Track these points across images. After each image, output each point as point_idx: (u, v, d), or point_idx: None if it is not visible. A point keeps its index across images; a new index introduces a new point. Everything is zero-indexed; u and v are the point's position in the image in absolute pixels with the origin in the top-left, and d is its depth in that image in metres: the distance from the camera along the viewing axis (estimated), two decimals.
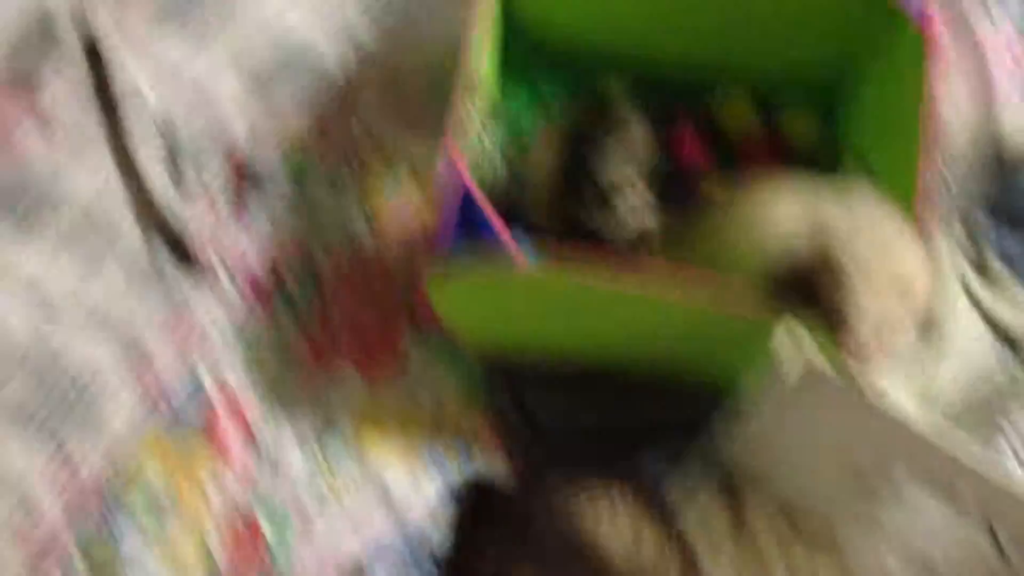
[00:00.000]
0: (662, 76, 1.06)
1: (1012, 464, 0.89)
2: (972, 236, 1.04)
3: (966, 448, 0.74)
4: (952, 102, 1.02)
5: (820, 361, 0.76)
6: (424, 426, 1.02)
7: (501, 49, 1.07)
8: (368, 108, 1.11)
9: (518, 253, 0.83)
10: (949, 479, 0.75)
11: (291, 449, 1.03)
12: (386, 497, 1.00)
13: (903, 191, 0.85)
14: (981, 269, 1.03)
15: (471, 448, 1.01)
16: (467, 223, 0.85)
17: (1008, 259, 1.03)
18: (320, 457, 1.02)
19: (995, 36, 1.16)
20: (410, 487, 1.00)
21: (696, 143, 1.04)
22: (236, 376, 1.05)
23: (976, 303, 1.01)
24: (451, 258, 0.85)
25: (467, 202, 0.85)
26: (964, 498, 0.75)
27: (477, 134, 1.00)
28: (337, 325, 1.06)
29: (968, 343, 0.98)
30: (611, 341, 0.89)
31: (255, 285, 1.09)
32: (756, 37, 1.00)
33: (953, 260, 1.03)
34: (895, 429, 0.75)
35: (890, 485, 0.78)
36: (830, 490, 0.84)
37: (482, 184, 1.02)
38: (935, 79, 0.87)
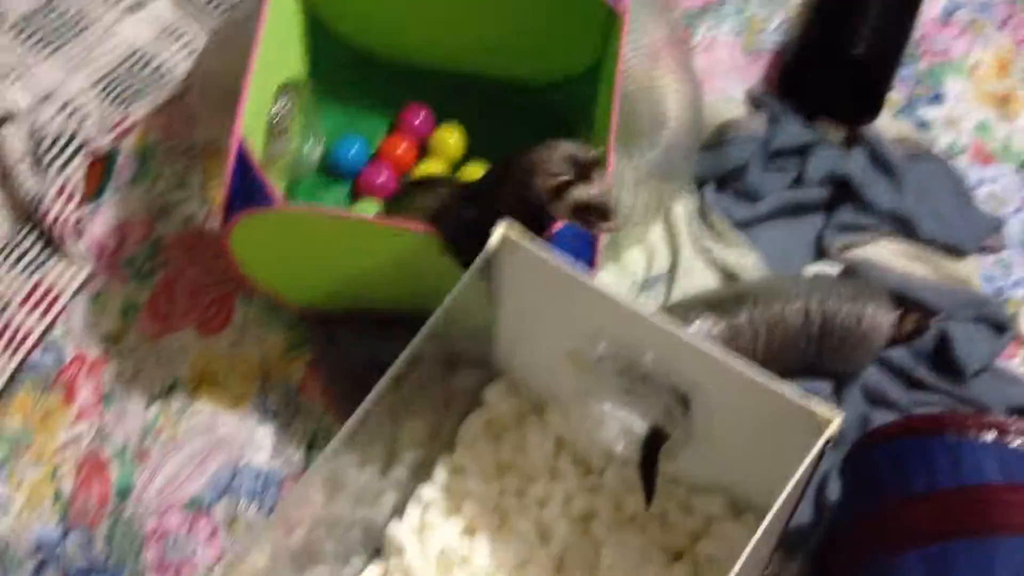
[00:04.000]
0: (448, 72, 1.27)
1: None
2: (702, 200, 1.27)
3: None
4: (675, 92, 1.21)
5: (515, 232, 0.92)
6: (254, 377, 1.17)
7: (313, 51, 1.25)
8: (202, 106, 1.27)
9: (282, 202, 1.02)
10: (640, 349, 0.91)
11: (138, 401, 1.17)
12: (222, 441, 1.15)
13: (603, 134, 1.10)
14: (709, 225, 1.27)
15: (296, 394, 1.16)
16: (248, 191, 1.03)
17: (724, 212, 1.27)
18: (163, 407, 1.17)
19: (720, 41, 1.41)
20: (243, 432, 1.15)
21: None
22: (90, 339, 1.20)
23: (705, 251, 1.25)
24: (239, 217, 1.02)
25: (246, 171, 1.02)
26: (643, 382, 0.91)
27: (287, 134, 1.17)
28: (178, 291, 1.22)
29: (696, 282, 1.22)
30: (377, 274, 1.09)
31: (107, 258, 1.25)
32: (510, 40, 1.23)
33: (688, 221, 1.26)
34: (594, 298, 0.91)
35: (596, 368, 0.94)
36: (554, 376, 1.01)
37: (294, 179, 1.21)
38: (623, 47, 1.12)
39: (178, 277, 1.24)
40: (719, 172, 1.28)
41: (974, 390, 1.16)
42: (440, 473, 1.06)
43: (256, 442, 1.15)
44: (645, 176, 1.17)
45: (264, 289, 1.14)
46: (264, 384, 1.18)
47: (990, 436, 0.91)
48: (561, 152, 0.96)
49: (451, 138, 1.27)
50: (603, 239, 1.07)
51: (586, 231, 0.98)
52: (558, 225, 1.01)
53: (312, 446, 1.14)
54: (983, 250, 1.27)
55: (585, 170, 0.95)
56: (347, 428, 0.90)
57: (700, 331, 1.07)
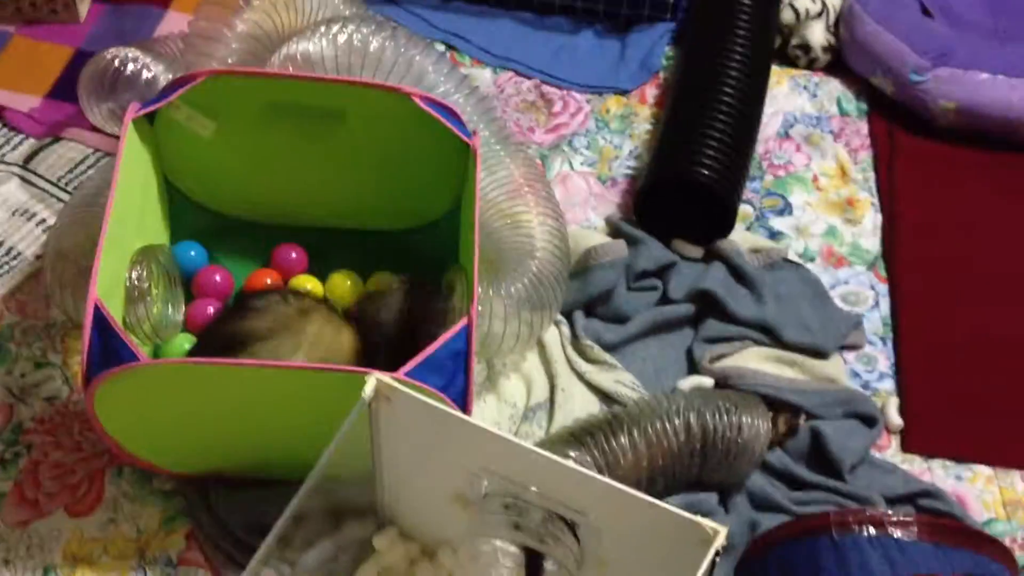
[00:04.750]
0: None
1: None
2: (572, 327, 1.30)
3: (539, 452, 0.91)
4: (539, 224, 1.26)
5: (388, 378, 0.92)
6: (131, 554, 1.13)
7: (175, 215, 1.26)
8: (55, 284, 1.25)
9: (145, 358, 1.00)
10: (524, 483, 0.91)
11: None
12: None
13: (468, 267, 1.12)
14: (580, 350, 1.29)
15: (176, 567, 1.12)
16: (109, 351, 1.00)
17: (595, 336, 1.30)
18: None
19: (575, 172, 1.47)
20: None
21: None
22: None
23: (579, 376, 1.27)
24: (102, 378, 1.00)
25: (105, 330, 1.00)
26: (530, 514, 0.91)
27: (148, 297, 1.16)
28: (44, 474, 1.18)
29: (576, 407, 1.24)
30: (253, 428, 1.07)
31: None
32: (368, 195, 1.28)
33: (564, 347, 1.29)
34: (475, 435, 0.91)
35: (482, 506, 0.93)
36: (442, 518, 0.99)
37: (158, 343, 1.19)
38: (479, 181, 1.15)
39: (43, 460, 1.19)
40: (586, 298, 1.31)
41: (854, 484, 1.18)
42: None
43: None
44: (516, 306, 1.19)
45: (133, 457, 1.11)
46: (142, 560, 1.13)
47: (872, 530, 0.93)
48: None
49: (345, 284, 1.27)
50: (475, 362, 1.08)
51: (461, 346, 1.01)
52: (430, 350, 1.02)
53: None
54: (846, 348, 1.32)
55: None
56: None
57: (580, 459, 1.07)
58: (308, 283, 1.27)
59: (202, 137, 1.21)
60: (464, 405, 1.05)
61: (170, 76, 1.34)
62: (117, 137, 1.39)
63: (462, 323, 1.05)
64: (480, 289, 1.13)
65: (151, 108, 1.15)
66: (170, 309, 1.21)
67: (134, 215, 1.17)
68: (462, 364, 1.04)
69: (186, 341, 1.22)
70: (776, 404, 1.17)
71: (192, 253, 1.28)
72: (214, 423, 1.08)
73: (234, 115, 1.21)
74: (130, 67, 1.34)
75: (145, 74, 1.34)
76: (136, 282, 1.14)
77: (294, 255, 1.30)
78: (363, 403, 0.92)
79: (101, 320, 1.01)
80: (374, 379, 0.93)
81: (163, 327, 1.19)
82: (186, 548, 1.13)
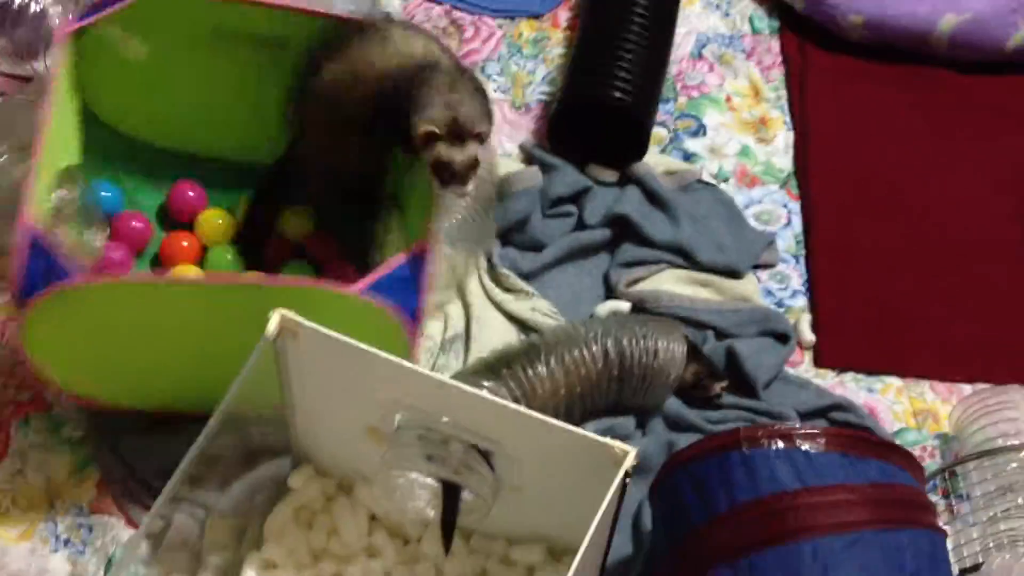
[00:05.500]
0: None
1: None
2: (489, 258, 1.29)
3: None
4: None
5: (292, 314, 0.91)
6: (40, 505, 1.11)
7: (85, 139, 1.22)
8: None
9: (86, 276, 0.98)
10: (436, 414, 0.91)
11: None
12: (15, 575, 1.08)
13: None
14: (496, 279, 1.28)
15: (89, 515, 1.10)
16: (48, 270, 0.98)
17: (511, 264, 1.29)
18: None
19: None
20: (36, 563, 1.08)
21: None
22: None
23: (496, 305, 1.26)
24: (33, 299, 0.97)
25: (41, 251, 0.98)
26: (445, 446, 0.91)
27: (72, 220, 1.12)
28: None
29: (494, 337, 1.22)
30: (184, 356, 1.05)
31: None
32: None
33: (480, 277, 1.28)
34: (386, 368, 0.90)
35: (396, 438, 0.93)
36: (357, 453, 0.99)
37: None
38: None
39: None
40: (502, 227, 1.29)
41: (768, 401, 1.20)
42: (248, 573, 1.02)
43: (51, 571, 1.07)
44: (451, 241, 1.18)
45: (56, 385, 1.08)
46: (52, 510, 1.11)
47: (781, 444, 0.95)
48: (448, 110, 1.03)
49: (216, 220, 1.25)
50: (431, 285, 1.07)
51: (414, 273, 1.01)
52: (385, 270, 1.01)
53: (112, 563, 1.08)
54: (760, 267, 1.33)
55: (460, 136, 1.02)
56: (132, 539, 0.86)
57: (495, 389, 1.07)
58: (218, 218, 1.24)
59: (131, 58, 1.17)
60: (416, 323, 1.04)
61: (59, 9, 1.29)
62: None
63: (415, 248, 1.04)
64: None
65: (87, 22, 1.11)
66: (88, 233, 1.17)
67: (59, 135, 1.13)
68: (415, 285, 1.03)
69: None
70: (693, 356, 1.17)
71: (106, 194, 1.23)
72: (145, 352, 1.05)
73: (170, 36, 1.17)
74: (17, 1, 1.29)
75: (33, 7, 1.29)
76: (59, 204, 1.11)
77: (191, 193, 1.26)
78: (267, 339, 0.91)
79: (37, 239, 0.97)
80: (278, 315, 0.91)
81: (83, 251, 1.15)
82: (97, 496, 1.12)
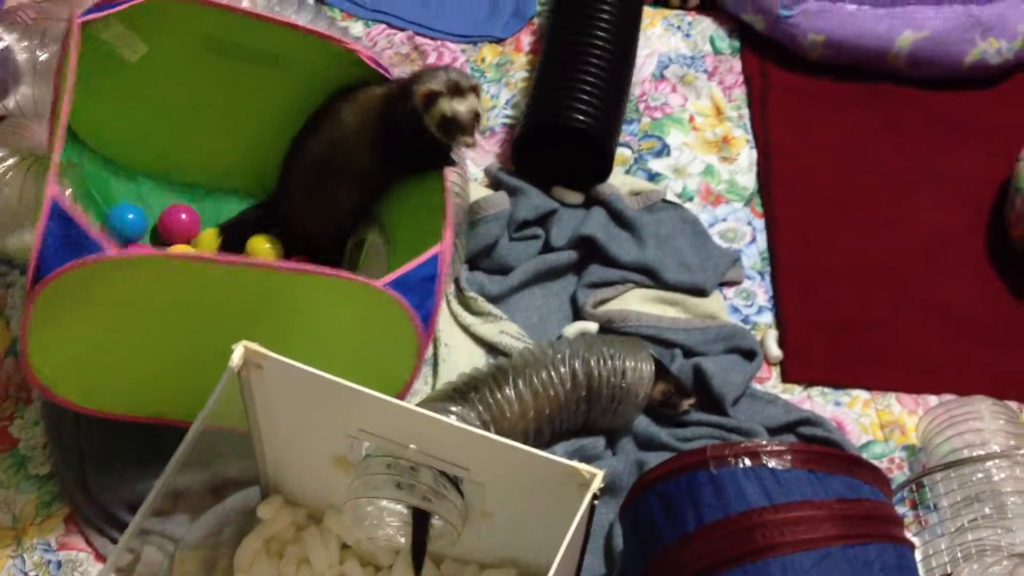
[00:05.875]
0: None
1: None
2: (456, 280, 1.29)
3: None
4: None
5: (256, 345, 0.91)
6: (7, 543, 1.11)
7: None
8: None
9: (115, 248, 0.96)
10: (403, 442, 0.91)
11: None
12: None
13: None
14: (465, 303, 1.29)
15: (56, 552, 1.09)
16: (73, 243, 0.96)
17: (479, 288, 1.29)
18: None
19: None
20: None
21: None
22: None
23: (464, 328, 1.27)
24: (61, 272, 0.95)
25: (66, 222, 0.96)
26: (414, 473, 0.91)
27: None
28: None
29: (461, 361, 1.23)
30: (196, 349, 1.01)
31: None
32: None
33: (448, 302, 1.29)
34: (350, 397, 0.90)
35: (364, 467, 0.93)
36: (326, 483, 0.99)
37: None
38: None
39: None
40: (470, 251, 1.30)
41: (737, 418, 1.20)
42: None
43: None
44: None
45: (47, 390, 1.04)
46: (20, 547, 1.10)
47: (747, 462, 0.95)
48: (443, 74, 1.14)
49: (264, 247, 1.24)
50: (444, 285, 1.09)
51: (433, 273, 1.05)
52: (401, 271, 1.03)
53: None
54: (725, 284, 1.34)
55: (459, 90, 1.13)
56: (101, 574, 0.85)
57: (463, 415, 1.07)
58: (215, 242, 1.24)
59: (123, 65, 1.16)
60: (428, 328, 1.05)
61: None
62: None
63: (435, 249, 1.05)
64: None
65: (102, 14, 1.10)
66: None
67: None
68: (431, 288, 1.04)
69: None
70: (661, 374, 1.18)
71: (131, 215, 1.23)
72: (150, 348, 1.03)
73: (163, 42, 1.17)
74: None
75: None
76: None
77: (184, 216, 1.26)
78: (231, 371, 0.91)
79: (59, 208, 0.95)
80: (241, 348, 0.91)
81: None
82: (65, 532, 1.11)
